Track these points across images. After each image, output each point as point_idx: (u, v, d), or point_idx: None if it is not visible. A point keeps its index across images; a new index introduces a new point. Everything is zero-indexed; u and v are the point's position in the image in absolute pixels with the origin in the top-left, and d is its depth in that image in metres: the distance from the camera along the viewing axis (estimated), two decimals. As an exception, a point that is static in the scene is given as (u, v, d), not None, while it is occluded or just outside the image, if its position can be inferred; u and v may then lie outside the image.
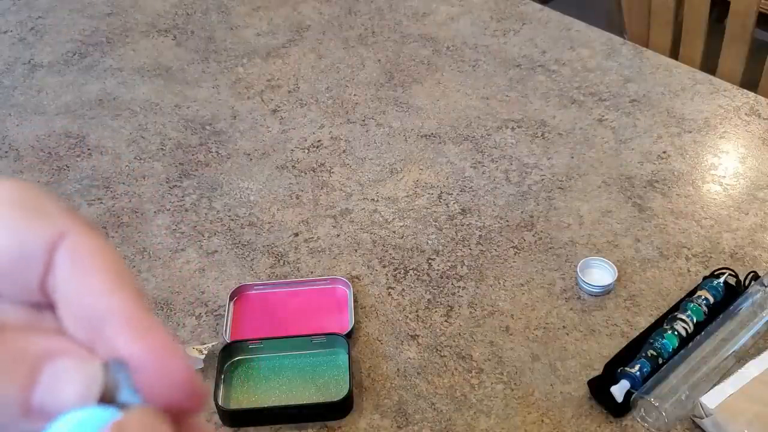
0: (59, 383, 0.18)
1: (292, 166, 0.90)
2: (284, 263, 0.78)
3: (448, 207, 0.83)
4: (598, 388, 0.64)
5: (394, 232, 0.80)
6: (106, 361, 0.18)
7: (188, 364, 0.19)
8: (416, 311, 0.72)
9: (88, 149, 0.95)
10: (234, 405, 0.65)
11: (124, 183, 0.89)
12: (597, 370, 0.66)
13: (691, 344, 0.66)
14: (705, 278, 0.72)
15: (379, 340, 0.70)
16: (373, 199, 0.85)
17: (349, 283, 0.74)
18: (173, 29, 1.17)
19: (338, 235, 0.80)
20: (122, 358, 0.18)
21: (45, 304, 0.19)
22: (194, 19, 1.19)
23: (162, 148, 0.94)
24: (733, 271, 0.72)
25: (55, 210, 0.19)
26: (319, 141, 0.94)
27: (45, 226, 0.19)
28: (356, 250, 0.79)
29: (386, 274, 0.76)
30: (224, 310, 0.73)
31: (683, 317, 0.68)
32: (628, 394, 0.63)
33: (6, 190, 0.19)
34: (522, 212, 0.82)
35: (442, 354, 0.68)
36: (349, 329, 0.69)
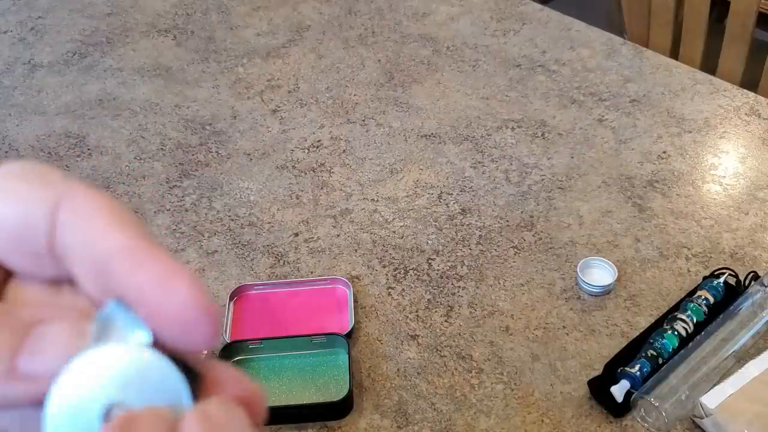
0: (43, 345, 0.18)
1: (292, 166, 0.90)
2: (284, 263, 0.78)
3: (448, 207, 0.83)
4: (598, 388, 0.64)
5: (394, 232, 0.81)
6: (102, 308, 0.18)
7: (196, 290, 0.18)
8: (416, 311, 0.72)
9: (88, 149, 0.95)
10: (234, 405, 0.65)
11: (124, 183, 0.89)
12: (597, 370, 0.66)
13: (691, 344, 0.66)
14: (705, 278, 0.72)
15: (379, 340, 0.70)
16: (373, 199, 0.85)
17: (349, 283, 0.74)
18: (173, 29, 1.17)
19: (338, 235, 0.80)
20: (120, 296, 0.18)
21: (64, 280, 0.20)
22: (194, 19, 1.19)
23: (162, 148, 0.94)
24: (733, 271, 0.72)
25: (55, 177, 0.19)
26: (319, 141, 0.94)
27: (46, 190, 0.19)
28: (356, 250, 0.79)
29: (386, 274, 0.76)
30: (224, 310, 0.73)
31: (683, 317, 0.68)
32: (628, 394, 0.63)
33: (8, 166, 0.19)
34: (522, 212, 0.82)
35: (442, 354, 0.68)
36: (349, 329, 0.69)
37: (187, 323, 0.18)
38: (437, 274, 0.76)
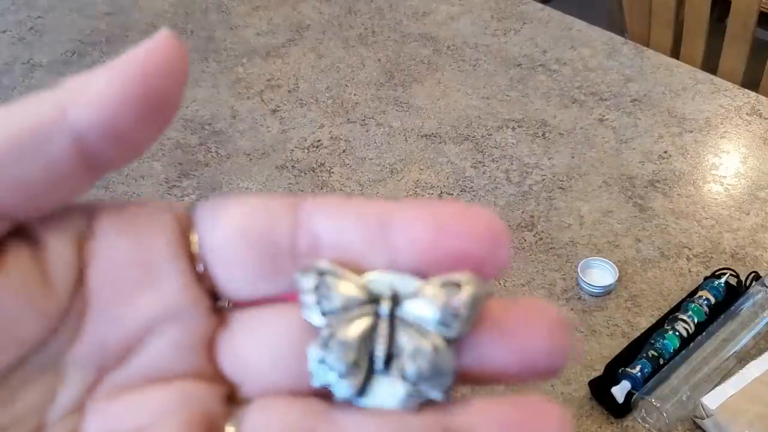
0: None
1: (292, 166, 0.91)
2: (284, 264, 0.78)
3: (448, 207, 0.83)
4: (599, 389, 0.64)
5: (394, 232, 0.81)
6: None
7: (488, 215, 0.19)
8: (416, 312, 0.73)
9: (87, 149, 0.95)
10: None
11: (123, 183, 0.89)
12: (598, 370, 0.66)
13: (692, 345, 0.66)
14: (706, 278, 0.72)
15: (380, 341, 0.70)
16: (373, 200, 0.85)
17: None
18: (172, 29, 1.17)
19: (338, 236, 0.81)
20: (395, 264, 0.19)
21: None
22: (194, 19, 1.19)
23: (161, 148, 0.95)
24: (734, 271, 0.72)
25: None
26: (318, 141, 0.94)
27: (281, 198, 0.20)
28: (356, 251, 0.79)
29: (386, 275, 0.76)
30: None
31: (684, 318, 0.68)
32: (628, 395, 0.63)
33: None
34: (522, 212, 0.82)
35: (443, 354, 0.69)
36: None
37: (490, 247, 0.18)
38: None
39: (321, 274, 0.20)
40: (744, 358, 0.66)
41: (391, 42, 1.11)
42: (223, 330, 0.20)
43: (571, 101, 0.98)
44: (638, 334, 0.69)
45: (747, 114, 0.93)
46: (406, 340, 0.19)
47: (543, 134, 0.93)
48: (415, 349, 0.19)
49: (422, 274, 0.19)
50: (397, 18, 1.15)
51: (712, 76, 0.99)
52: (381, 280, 0.19)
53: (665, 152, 0.89)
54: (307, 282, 0.19)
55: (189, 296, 0.20)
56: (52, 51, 1.14)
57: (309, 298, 0.19)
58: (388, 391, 0.19)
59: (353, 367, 0.19)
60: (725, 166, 0.86)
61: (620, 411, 0.63)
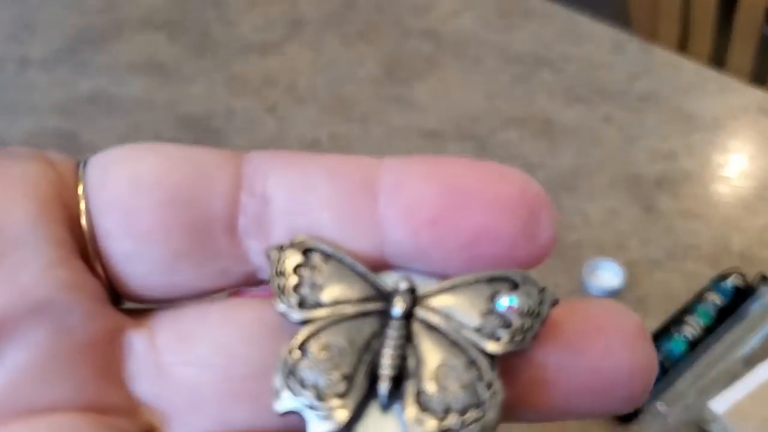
0: None
1: (290, 165, 0.90)
2: (282, 265, 0.78)
3: (450, 207, 0.83)
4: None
5: (394, 233, 0.81)
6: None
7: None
8: (418, 314, 0.72)
9: (81, 147, 0.95)
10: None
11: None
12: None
13: (698, 348, 0.66)
14: (713, 280, 0.72)
15: (380, 344, 0.70)
16: (373, 200, 0.85)
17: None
18: (167, 25, 1.17)
19: (338, 237, 0.81)
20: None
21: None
22: (189, 15, 1.19)
23: (156, 147, 0.94)
24: (742, 272, 0.72)
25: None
26: (317, 139, 0.94)
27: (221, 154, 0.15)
28: (356, 252, 0.79)
29: (387, 277, 0.76)
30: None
31: (691, 320, 0.68)
32: (635, 400, 0.63)
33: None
34: (526, 213, 0.82)
35: (445, 358, 0.69)
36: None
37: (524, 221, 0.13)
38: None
39: (307, 251, 0.14)
40: (752, 361, 0.66)
41: (391, 38, 1.10)
42: (137, 336, 0.14)
43: (577, 99, 0.98)
44: (644, 337, 0.69)
45: (756, 113, 0.93)
46: (427, 353, 0.13)
47: (547, 133, 0.93)
48: (442, 366, 0.13)
49: (449, 273, 0.14)
50: (397, 13, 1.15)
51: (720, 74, 0.99)
52: (391, 277, 0.14)
53: (672, 151, 0.89)
54: (285, 261, 0.14)
55: (64, 281, 0.13)
56: (45, 48, 1.13)
57: (286, 283, 0.14)
58: (395, 428, 0.13)
59: (341, 385, 0.13)
60: (733, 166, 0.86)
61: (626, 416, 0.63)
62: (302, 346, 0.13)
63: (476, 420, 0.13)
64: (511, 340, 0.13)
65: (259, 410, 0.13)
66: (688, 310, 0.70)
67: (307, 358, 0.13)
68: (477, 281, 0.14)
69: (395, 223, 0.13)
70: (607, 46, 1.06)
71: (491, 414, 0.13)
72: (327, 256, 0.14)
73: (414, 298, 0.14)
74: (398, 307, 0.13)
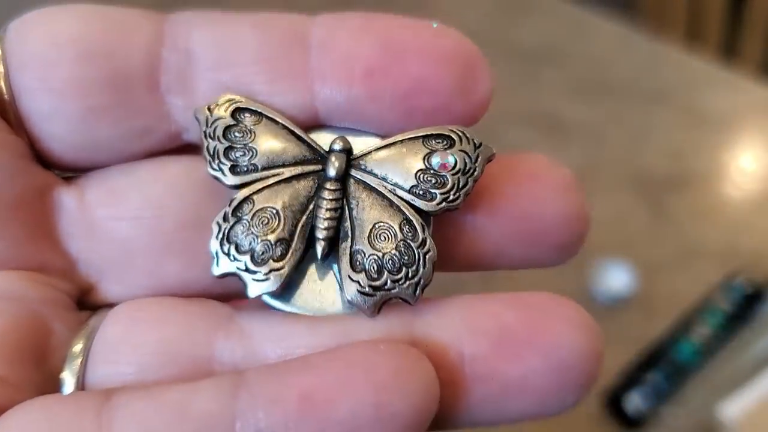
0: None
1: (291, 167, 0.91)
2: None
3: (454, 209, 0.84)
4: (611, 399, 0.66)
5: (398, 236, 0.82)
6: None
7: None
8: (422, 319, 0.74)
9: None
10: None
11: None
12: (609, 380, 0.68)
13: (707, 352, 0.67)
14: (722, 282, 0.73)
15: (384, 350, 0.71)
16: (375, 202, 0.86)
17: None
18: (164, 22, 1.18)
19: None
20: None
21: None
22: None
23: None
24: (751, 274, 0.73)
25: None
26: (318, 140, 0.95)
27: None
28: (359, 256, 0.80)
29: (390, 281, 0.77)
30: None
31: (700, 324, 0.69)
32: (641, 406, 0.64)
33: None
34: (531, 214, 0.83)
35: (449, 364, 0.70)
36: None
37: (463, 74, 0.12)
38: (442, 276, 0.77)
39: (237, 112, 0.14)
40: (761, 364, 0.67)
41: (393, 34, 1.11)
42: (67, 193, 0.14)
43: (583, 96, 0.98)
44: (652, 341, 0.70)
45: (766, 111, 0.94)
46: (362, 213, 0.13)
47: (553, 130, 0.94)
48: (376, 226, 0.13)
49: (386, 130, 0.14)
50: (398, 9, 1.16)
51: (730, 71, 1.00)
52: (325, 136, 0.14)
53: (681, 150, 0.90)
54: (215, 121, 0.14)
55: None
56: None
57: (217, 146, 0.14)
58: (330, 289, 0.13)
59: (277, 249, 0.13)
60: (743, 165, 0.87)
61: (633, 422, 0.64)
62: (236, 211, 0.13)
63: (409, 278, 0.13)
64: (445, 199, 0.14)
65: (191, 263, 0.13)
66: (696, 313, 0.71)
67: (242, 224, 0.13)
68: (413, 139, 0.14)
69: (328, 77, 0.13)
70: (614, 41, 1.06)
71: (424, 273, 0.13)
72: (258, 116, 0.14)
73: (349, 158, 0.14)
74: (333, 168, 0.14)
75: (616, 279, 0.75)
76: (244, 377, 0.12)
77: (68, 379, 0.13)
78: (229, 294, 0.14)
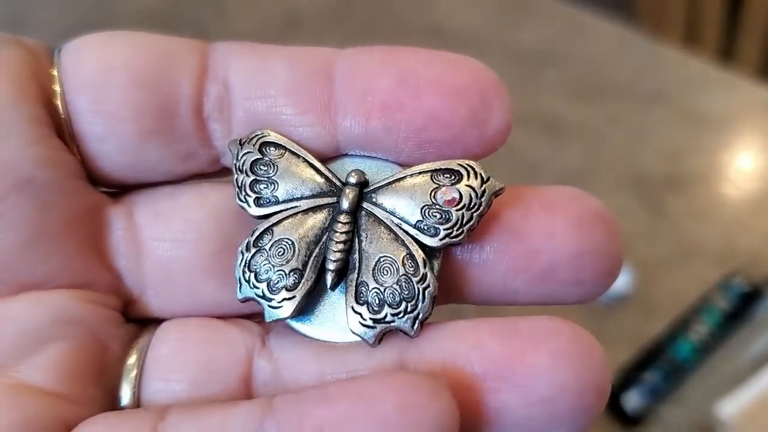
0: None
1: (290, 166, 0.92)
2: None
3: (453, 209, 0.85)
4: (609, 398, 0.66)
5: (397, 235, 0.82)
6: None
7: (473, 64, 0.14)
8: (421, 318, 0.74)
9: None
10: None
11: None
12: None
13: (705, 351, 0.68)
14: (721, 282, 0.74)
15: (383, 349, 0.72)
16: (375, 201, 0.86)
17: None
18: (163, 20, 1.19)
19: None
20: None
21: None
22: (185, 10, 1.21)
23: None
24: (750, 274, 0.74)
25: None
26: (317, 140, 0.95)
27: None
28: (358, 255, 0.80)
29: (389, 280, 0.78)
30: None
31: (697, 323, 0.70)
32: (639, 404, 0.65)
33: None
34: (530, 214, 0.84)
35: (448, 363, 0.70)
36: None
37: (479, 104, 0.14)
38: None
39: (264, 146, 0.15)
40: (759, 364, 0.67)
41: (391, 34, 1.12)
42: (117, 213, 0.15)
43: (582, 97, 0.99)
44: (650, 340, 0.71)
45: (764, 111, 0.95)
46: (370, 246, 0.14)
47: (552, 131, 0.95)
48: (381, 260, 0.14)
49: (402, 159, 0.15)
50: (398, 9, 1.17)
51: (728, 72, 1.01)
52: (346, 165, 0.15)
53: (679, 150, 0.91)
54: (245, 155, 0.15)
55: (44, 158, 0.14)
56: (37, 45, 1.15)
57: (244, 180, 0.15)
58: (338, 317, 0.15)
59: (290, 278, 0.14)
60: (742, 165, 0.88)
61: (631, 420, 0.65)
62: (257, 241, 0.14)
63: (408, 312, 0.14)
64: (448, 235, 0.15)
65: (225, 285, 0.15)
66: (694, 312, 0.71)
67: (261, 254, 0.14)
68: (422, 173, 0.15)
69: (349, 110, 0.14)
70: (614, 42, 1.07)
71: (423, 307, 0.14)
72: (282, 150, 0.15)
73: (362, 191, 0.15)
74: (346, 201, 0.15)
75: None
76: (272, 405, 0.14)
77: (126, 393, 0.15)
78: (259, 313, 0.15)
